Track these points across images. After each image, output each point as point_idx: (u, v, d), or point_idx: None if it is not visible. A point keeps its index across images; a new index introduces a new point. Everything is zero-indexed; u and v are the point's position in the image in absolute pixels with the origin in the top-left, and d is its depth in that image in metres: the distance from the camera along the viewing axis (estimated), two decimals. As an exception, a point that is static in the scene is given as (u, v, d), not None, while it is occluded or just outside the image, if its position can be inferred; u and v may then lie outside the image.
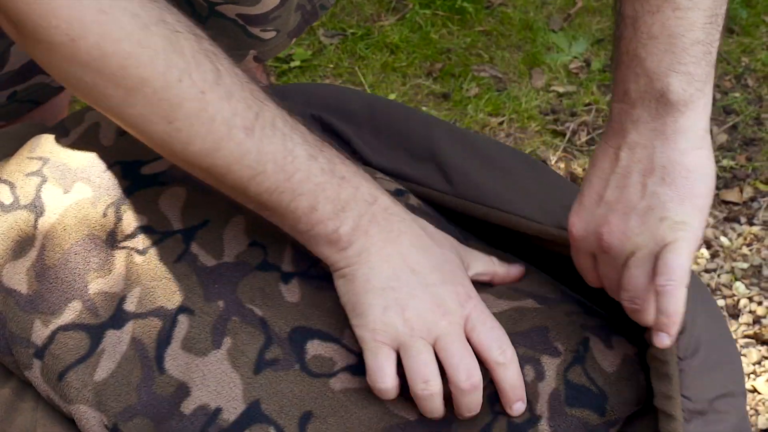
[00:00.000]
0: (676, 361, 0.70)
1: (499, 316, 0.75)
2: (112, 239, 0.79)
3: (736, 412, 0.73)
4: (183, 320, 0.74)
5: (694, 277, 0.77)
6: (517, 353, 0.73)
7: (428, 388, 0.70)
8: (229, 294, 0.76)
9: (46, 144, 0.85)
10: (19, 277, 0.78)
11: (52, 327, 0.75)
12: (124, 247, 0.78)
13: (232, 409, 0.71)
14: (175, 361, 0.73)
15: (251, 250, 0.78)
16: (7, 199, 0.81)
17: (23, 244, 0.79)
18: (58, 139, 0.85)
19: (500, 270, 0.79)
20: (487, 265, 0.79)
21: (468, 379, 0.70)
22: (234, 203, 0.77)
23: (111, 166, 0.82)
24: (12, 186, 0.82)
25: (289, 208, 0.71)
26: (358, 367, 0.74)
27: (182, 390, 0.72)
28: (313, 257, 0.77)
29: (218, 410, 0.71)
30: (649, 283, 0.68)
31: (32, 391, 0.77)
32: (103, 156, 0.83)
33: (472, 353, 0.72)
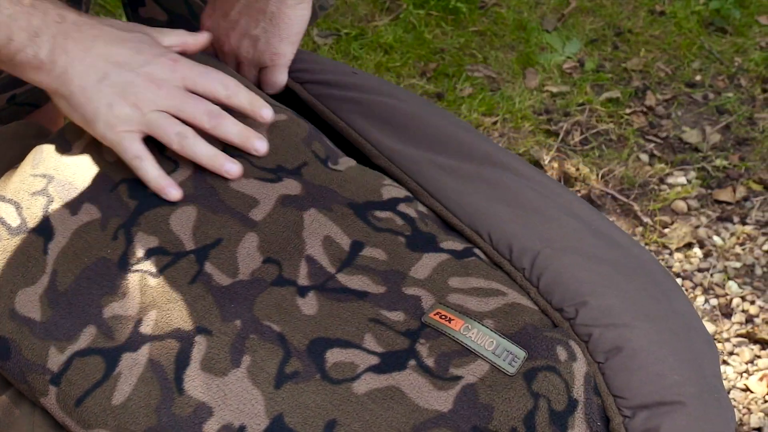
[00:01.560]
0: (596, 367, 0.73)
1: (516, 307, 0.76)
2: (124, 262, 0.78)
3: (699, 399, 0.73)
4: (201, 341, 0.74)
5: (652, 281, 0.78)
6: (546, 337, 0.74)
7: (184, 133, 0.81)
8: (245, 312, 0.76)
9: (49, 159, 0.85)
10: (32, 305, 0.77)
11: (68, 353, 0.75)
12: (137, 270, 0.78)
13: (256, 425, 0.71)
14: (194, 381, 0.73)
15: (266, 266, 0.78)
16: (14, 221, 0.81)
17: (34, 269, 0.79)
18: (61, 154, 0.85)
19: (190, 39, 0.89)
20: (176, 36, 0.88)
21: (208, 114, 0.81)
22: (246, 221, 0.79)
23: (117, 185, 0.82)
24: (18, 206, 0.82)
25: None
26: (381, 366, 0.73)
27: (203, 410, 0.72)
28: (329, 271, 0.78)
29: (242, 428, 0.71)
30: (254, 81, 0.96)
31: (29, 399, 0.77)
32: (108, 173, 0.83)
33: (200, 99, 0.82)
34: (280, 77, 0.95)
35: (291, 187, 0.83)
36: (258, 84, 0.97)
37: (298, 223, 0.81)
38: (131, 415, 0.73)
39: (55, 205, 0.81)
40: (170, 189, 0.80)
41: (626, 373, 0.73)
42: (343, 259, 0.80)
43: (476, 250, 0.82)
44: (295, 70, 0.96)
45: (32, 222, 0.80)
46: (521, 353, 0.73)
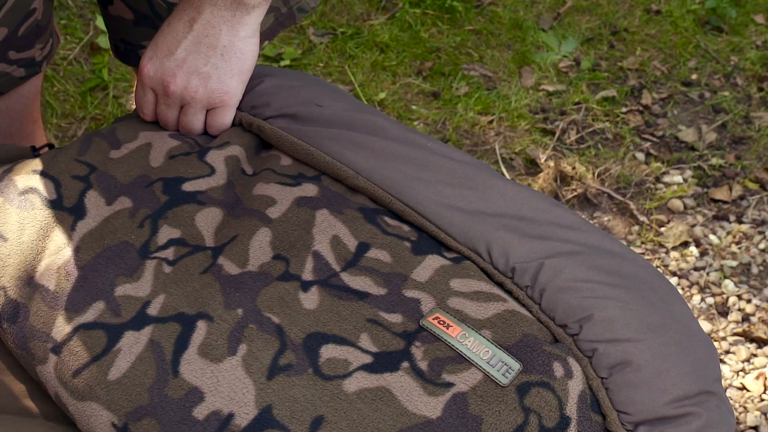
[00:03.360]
0: (600, 382, 0.73)
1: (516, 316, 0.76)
2: (145, 249, 0.81)
3: (703, 410, 0.73)
4: (201, 326, 0.76)
5: (652, 289, 0.77)
6: (544, 351, 0.73)
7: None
8: (248, 302, 0.77)
9: (97, 152, 0.89)
10: (49, 275, 0.80)
11: (74, 324, 0.77)
12: (155, 258, 0.80)
13: (244, 414, 0.71)
14: (191, 365, 0.74)
15: (274, 262, 0.80)
16: (51, 195, 0.85)
17: (60, 242, 0.82)
18: (109, 150, 0.89)
19: None
20: None
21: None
22: (262, 217, 0.82)
23: (154, 182, 0.85)
24: (57, 184, 0.86)
25: None
26: (374, 365, 0.73)
27: (195, 394, 0.72)
28: (333, 268, 0.79)
29: (230, 416, 0.71)
30: (200, 126, 0.93)
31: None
32: (149, 174, 0.87)
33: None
34: (228, 118, 0.92)
35: (308, 190, 0.85)
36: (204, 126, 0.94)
37: (309, 221, 0.82)
38: (124, 391, 0.74)
39: (93, 192, 0.85)
40: None
41: (630, 388, 0.72)
42: (349, 259, 0.80)
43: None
44: (257, 105, 0.92)
45: (68, 201, 0.84)
46: (516, 365, 0.72)
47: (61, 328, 0.77)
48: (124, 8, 1.10)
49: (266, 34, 1.10)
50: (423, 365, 0.73)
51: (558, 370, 0.73)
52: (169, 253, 0.80)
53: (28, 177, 0.86)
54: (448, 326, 0.75)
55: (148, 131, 0.92)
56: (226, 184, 0.86)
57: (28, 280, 0.80)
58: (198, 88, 0.90)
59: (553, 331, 0.76)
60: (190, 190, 0.85)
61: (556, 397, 0.72)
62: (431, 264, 0.80)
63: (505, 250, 0.80)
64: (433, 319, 0.76)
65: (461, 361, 0.73)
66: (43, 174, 0.87)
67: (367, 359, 0.74)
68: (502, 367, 0.73)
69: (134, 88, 0.93)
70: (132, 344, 0.76)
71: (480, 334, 0.74)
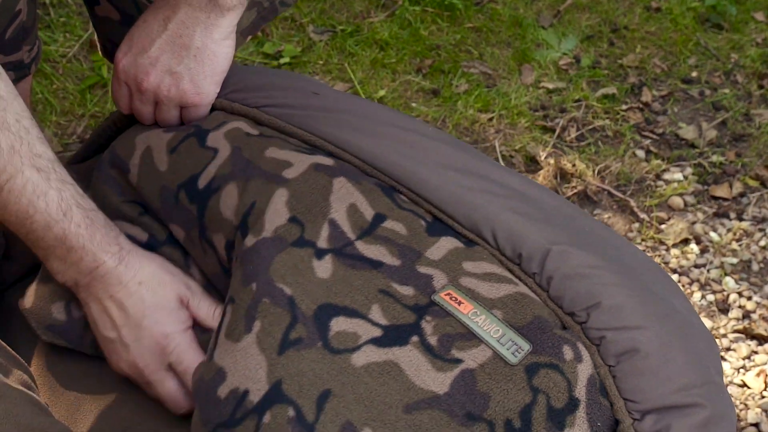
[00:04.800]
0: (607, 370, 0.73)
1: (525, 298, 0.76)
2: (224, 269, 0.86)
3: (707, 400, 0.73)
4: (228, 310, 0.79)
5: (654, 283, 0.77)
6: (554, 334, 0.73)
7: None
8: (262, 274, 0.78)
9: (124, 184, 0.92)
10: None
11: None
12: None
13: (257, 390, 0.72)
14: (219, 348, 0.77)
15: (290, 225, 0.80)
16: (142, 237, 0.90)
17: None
18: (125, 176, 0.91)
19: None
20: (208, 310, 0.87)
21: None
22: (279, 179, 0.82)
23: (177, 194, 0.88)
24: (136, 224, 0.91)
25: (34, 250, 0.82)
26: (383, 338, 0.73)
27: (220, 375, 0.75)
28: (349, 237, 0.79)
29: (246, 392, 0.73)
30: (176, 121, 0.92)
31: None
32: (166, 183, 0.89)
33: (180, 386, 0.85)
34: (202, 115, 0.92)
35: (325, 160, 0.85)
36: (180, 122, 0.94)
37: (327, 187, 0.82)
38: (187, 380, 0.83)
39: (158, 226, 0.90)
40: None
41: (637, 376, 0.72)
42: (365, 227, 0.80)
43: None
44: (249, 97, 0.92)
45: (159, 237, 0.89)
46: (526, 345, 0.72)
47: None
48: (111, 8, 1.10)
49: (249, 28, 1.10)
50: (432, 340, 0.73)
51: (568, 353, 0.73)
52: (220, 252, 0.85)
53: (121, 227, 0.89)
54: (459, 303, 0.75)
55: (142, 134, 0.93)
56: (231, 152, 0.86)
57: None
58: (170, 88, 0.90)
59: (561, 319, 0.76)
60: (205, 184, 0.86)
61: (566, 379, 0.71)
62: (445, 245, 0.79)
63: (510, 235, 0.79)
64: (445, 295, 0.75)
65: (471, 338, 0.73)
66: (131, 221, 0.90)
67: (377, 332, 0.74)
68: (512, 346, 0.72)
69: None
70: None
71: (491, 313, 0.74)
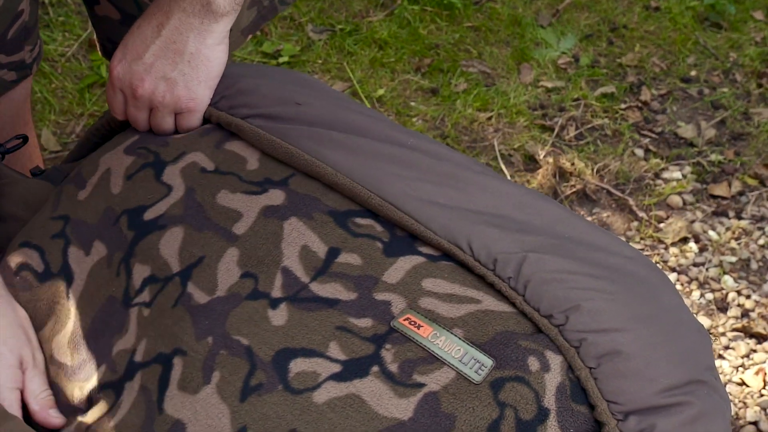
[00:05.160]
0: (588, 372, 0.72)
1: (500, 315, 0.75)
2: (126, 298, 0.83)
3: (693, 398, 0.72)
4: (178, 362, 0.77)
5: (640, 278, 0.77)
6: (520, 346, 0.73)
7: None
8: (218, 328, 0.78)
9: (66, 201, 0.91)
10: (63, 350, 0.84)
11: (88, 391, 0.81)
12: (135, 304, 0.83)
13: None
14: (173, 401, 0.75)
15: (243, 281, 0.80)
16: (39, 267, 0.87)
17: (62, 316, 0.85)
18: (76, 193, 0.91)
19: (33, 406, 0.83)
20: (38, 388, 0.83)
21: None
22: (228, 236, 0.81)
23: (119, 217, 0.87)
24: (41, 252, 0.88)
25: None
26: (342, 373, 0.73)
27: (178, 427, 0.74)
28: (302, 281, 0.79)
29: None
30: (170, 128, 0.93)
31: None
32: (113, 205, 0.88)
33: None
34: (195, 122, 0.93)
35: (275, 197, 0.85)
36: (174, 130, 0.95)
37: (278, 233, 0.82)
38: None
39: (72, 247, 0.88)
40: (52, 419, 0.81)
41: (620, 378, 0.72)
42: (318, 267, 0.80)
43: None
44: (236, 105, 0.91)
45: (54, 266, 0.88)
46: (489, 362, 0.72)
47: (79, 396, 0.82)
48: (111, 8, 1.10)
49: (249, 27, 1.10)
50: (393, 367, 0.73)
51: (533, 364, 0.72)
52: (145, 296, 0.82)
53: (18, 254, 0.88)
54: (419, 326, 0.75)
55: (107, 154, 0.94)
56: (185, 194, 0.86)
57: (51, 360, 0.84)
58: (165, 94, 0.90)
59: (537, 321, 0.75)
60: (152, 218, 0.86)
61: (532, 390, 0.71)
62: (403, 265, 0.79)
63: (486, 243, 0.79)
64: (404, 320, 0.75)
65: (433, 361, 0.73)
66: (27, 245, 0.89)
67: (336, 368, 0.74)
68: (475, 364, 0.72)
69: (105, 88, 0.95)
70: (129, 393, 0.79)
71: (452, 333, 0.74)
